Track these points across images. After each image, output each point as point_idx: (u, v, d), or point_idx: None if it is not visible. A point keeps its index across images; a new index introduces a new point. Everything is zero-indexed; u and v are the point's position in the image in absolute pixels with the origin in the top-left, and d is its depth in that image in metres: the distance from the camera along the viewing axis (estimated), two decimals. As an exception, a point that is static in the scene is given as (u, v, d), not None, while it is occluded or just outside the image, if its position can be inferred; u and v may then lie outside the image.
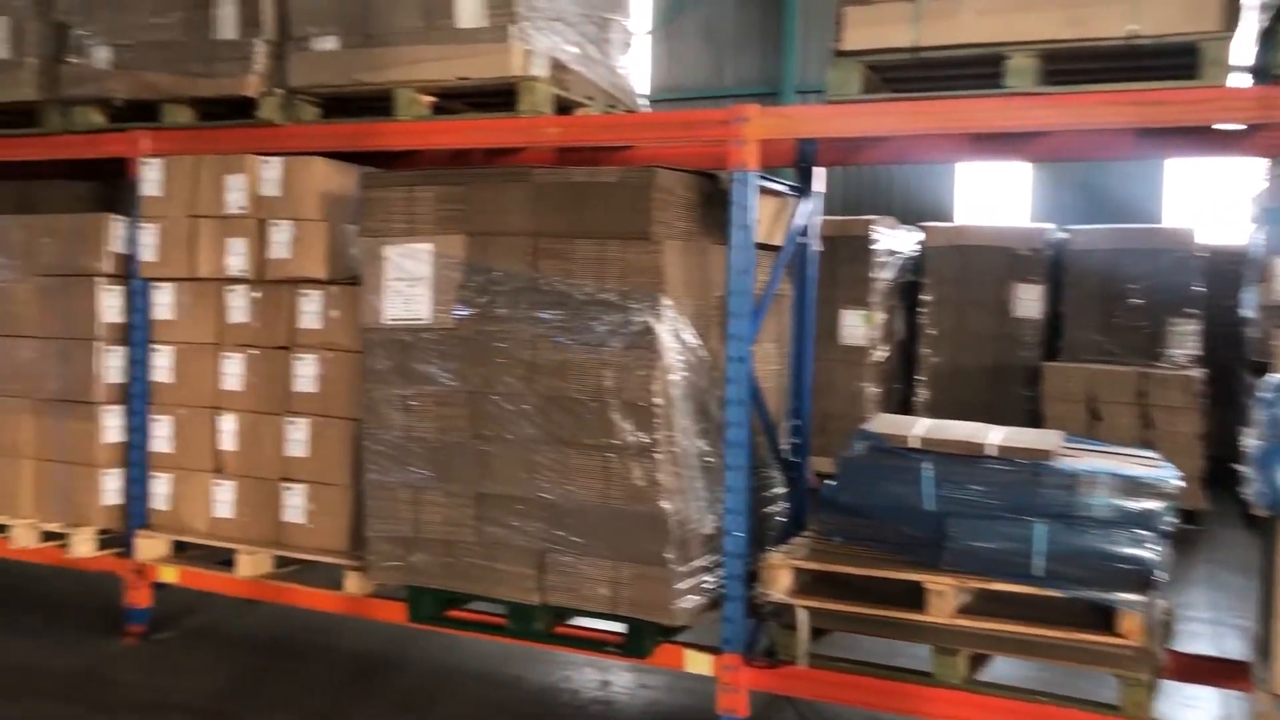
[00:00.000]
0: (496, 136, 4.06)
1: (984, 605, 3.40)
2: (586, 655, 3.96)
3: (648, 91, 13.64)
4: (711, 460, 3.70)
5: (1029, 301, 8.63)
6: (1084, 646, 3.19)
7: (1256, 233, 3.92)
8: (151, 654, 4.59)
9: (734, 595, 3.63)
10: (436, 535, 3.89)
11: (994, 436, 3.54)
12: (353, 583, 4.19)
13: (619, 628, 3.74)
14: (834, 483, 3.68)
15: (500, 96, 4.05)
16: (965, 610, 3.40)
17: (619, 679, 4.35)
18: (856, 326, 8.55)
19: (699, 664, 3.71)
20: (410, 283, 3.91)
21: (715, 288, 3.78)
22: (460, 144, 4.16)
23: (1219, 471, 7.06)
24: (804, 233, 4.23)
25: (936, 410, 8.24)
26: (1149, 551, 3.22)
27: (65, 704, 4.04)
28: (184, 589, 4.65)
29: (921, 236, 9.15)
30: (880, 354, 8.62)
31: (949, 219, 12.26)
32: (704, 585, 3.68)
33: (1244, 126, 3.43)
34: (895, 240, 8.96)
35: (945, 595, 3.35)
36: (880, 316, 8.61)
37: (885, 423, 3.77)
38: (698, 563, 3.66)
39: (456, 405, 3.84)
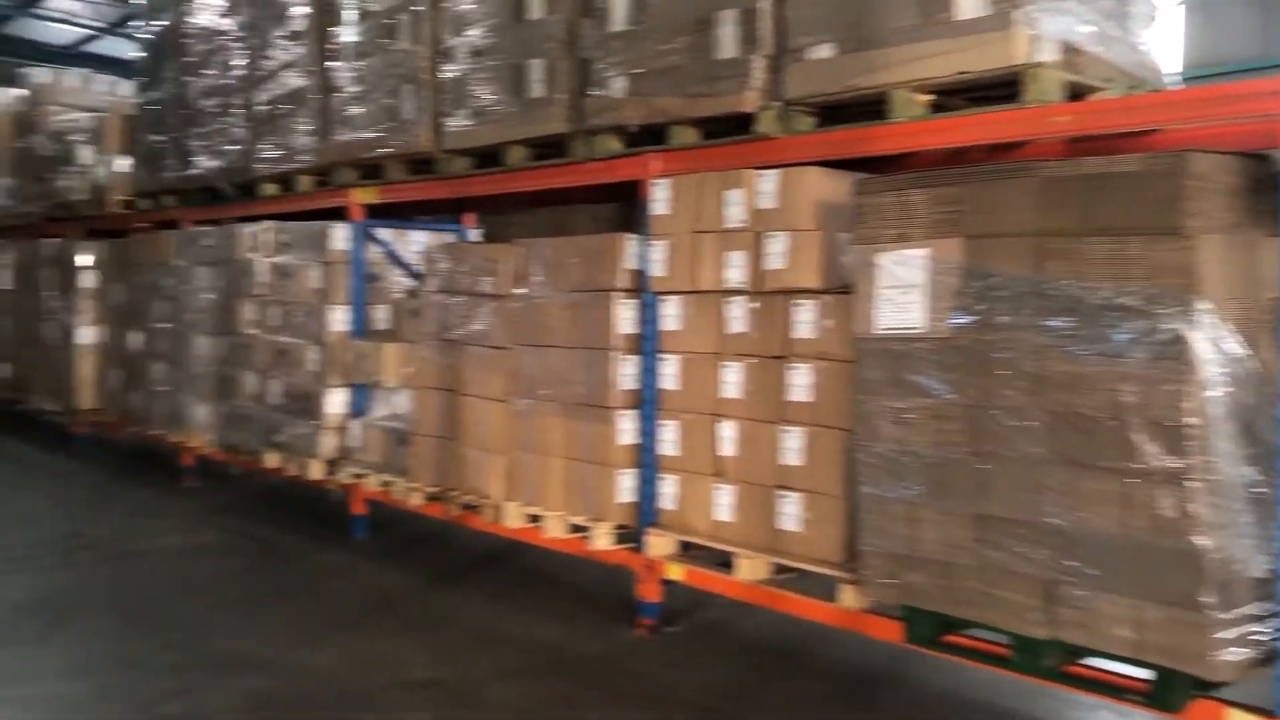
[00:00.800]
0: (997, 130, 3.78)
1: None
2: (1104, 700, 3.56)
3: (1179, 68, 12.28)
4: (1262, 491, 3.16)
5: None
6: None
7: None
8: (661, 646, 4.86)
9: (1292, 649, 3.07)
10: (933, 555, 3.70)
11: None
12: (848, 596, 4.12)
13: (1143, 673, 3.32)
14: None
15: (1003, 88, 3.78)
16: None
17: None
18: None
19: (1244, 728, 3.18)
20: (903, 290, 3.76)
21: (1266, 288, 3.23)
22: (958, 142, 3.93)
23: None
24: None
25: None
26: None
27: (583, 687, 4.38)
28: (690, 587, 4.87)
29: None
30: None
31: None
32: (1252, 636, 3.15)
33: None
34: None
35: None
36: None
37: None
38: (1244, 610, 3.13)
39: (953, 419, 3.63)
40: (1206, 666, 3.09)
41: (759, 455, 4.53)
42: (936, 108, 4.06)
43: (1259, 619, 3.16)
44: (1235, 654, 3.11)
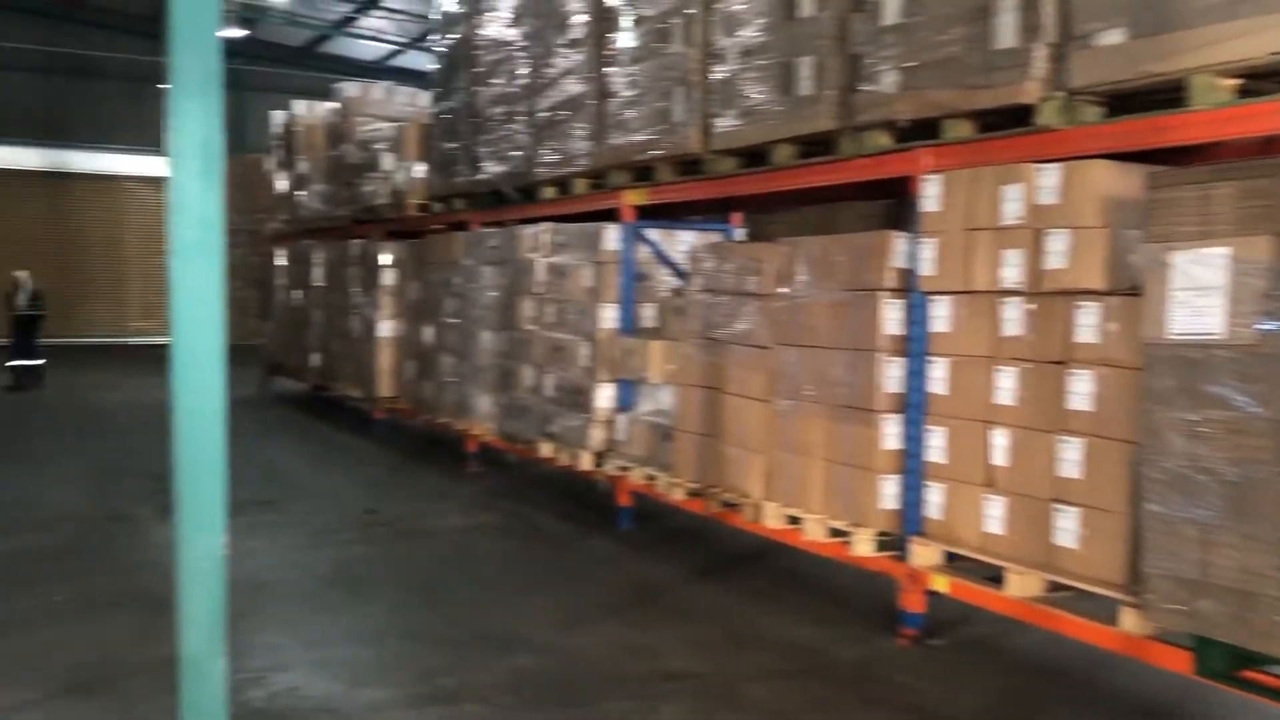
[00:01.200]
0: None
1: None
2: None
3: None
4: None
5: None
6: None
7: None
8: (923, 658, 4.71)
9: None
10: (1229, 582, 3.38)
11: None
12: (1129, 620, 3.83)
13: None
14: None
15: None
16: None
17: None
18: None
19: None
20: (1199, 292, 3.45)
21: None
22: (1270, 129, 3.56)
23: None
24: None
25: None
26: None
27: (837, 691, 4.32)
28: (955, 599, 4.70)
29: None
30: None
31: None
32: None
33: None
34: None
35: None
36: None
37: None
38: None
39: (1257, 435, 3.30)
40: None
41: (1034, 466, 4.30)
42: (1243, 93, 3.70)
43: None
44: None
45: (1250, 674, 3.46)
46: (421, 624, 5.07)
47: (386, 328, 10.55)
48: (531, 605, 5.40)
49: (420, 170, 10.11)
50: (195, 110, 3.25)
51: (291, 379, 14.09)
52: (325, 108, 13.16)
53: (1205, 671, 3.54)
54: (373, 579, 5.85)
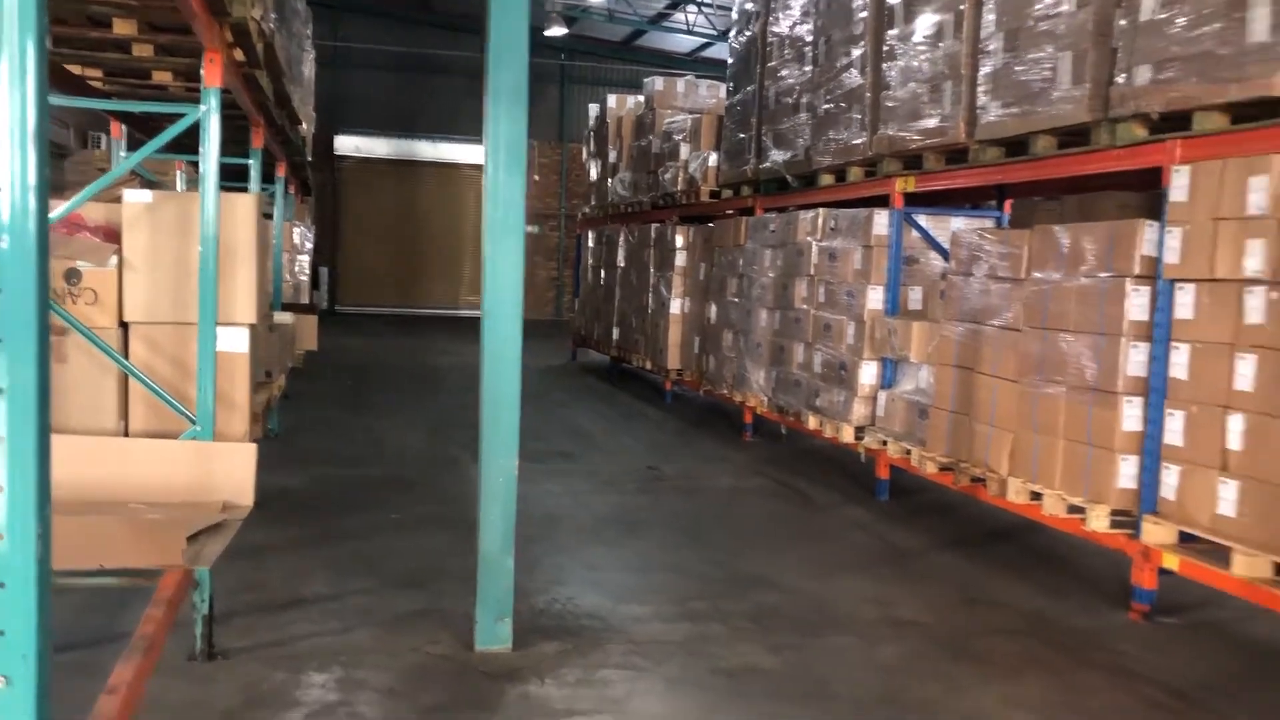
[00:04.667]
0: None
1: None
2: None
3: None
4: None
5: None
6: None
7: None
8: (1150, 632, 4.88)
9: None
10: None
11: None
12: (1348, 604, 3.91)
13: None
14: None
15: None
16: None
17: None
18: None
19: None
20: None
21: None
22: None
23: None
24: None
25: None
26: None
27: (1055, 651, 4.60)
28: (1195, 581, 4.81)
29: None
30: None
31: None
32: None
33: None
34: None
35: None
36: None
37: None
38: None
39: None
40: None
41: (1268, 451, 4.39)
42: None
43: None
44: None
45: None
46: (684, 561, 5.77)
47: (676, 305, 11.40)
48: (785, 557, 5.97)
49: (713, 159, 10.85)
50: (505, 113, 4.07)
51: (596, 351, 15.35)
52: (634, 100, 14.22)
53: None
54: (648, 522, 6.63)
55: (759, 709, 3.88)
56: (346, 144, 26.06)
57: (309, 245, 16.48)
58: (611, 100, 15.03)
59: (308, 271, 15.64)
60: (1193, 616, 5.07)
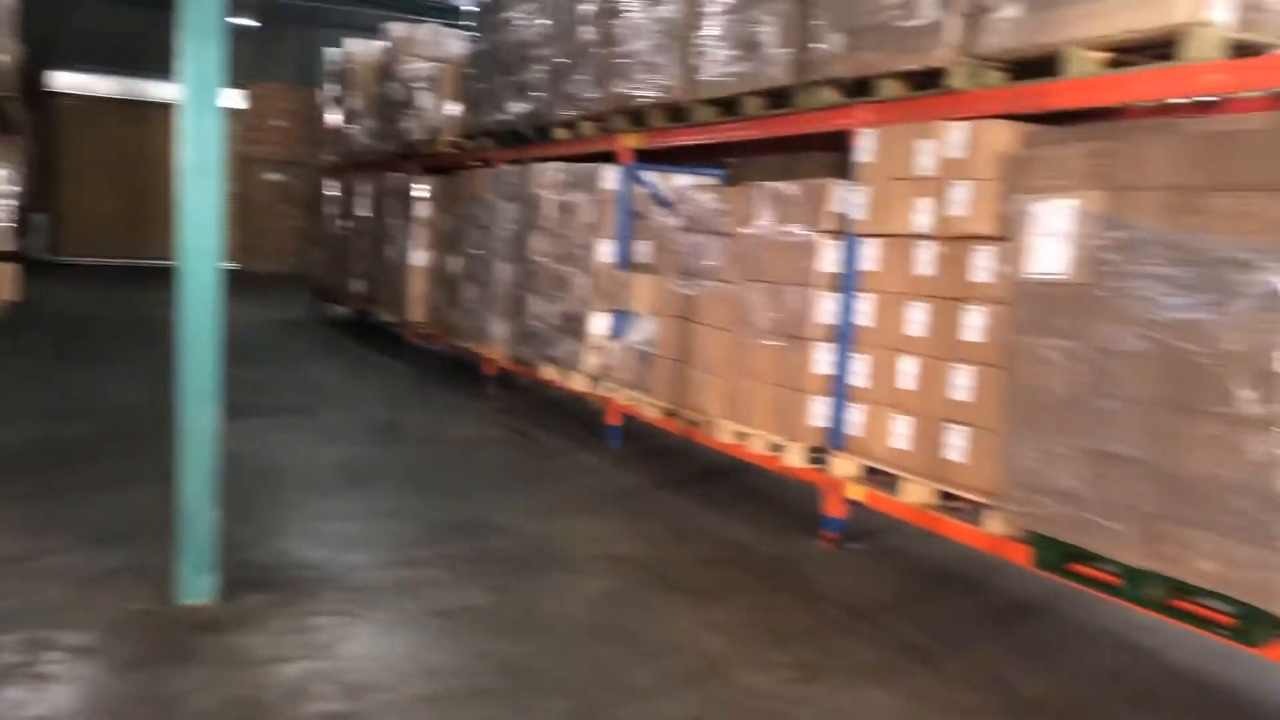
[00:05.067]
0: (1152, 88, 3.89)
1: None
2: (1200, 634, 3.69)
3: None
4: (1367, 446, 3.21)
5: None
6: None
7: None
8: (836, 557, 5.34)
9: (1381, 604, 3.13)
10: (1060, 486, 3.96)
11: None
12: (991, 523, 4.43)
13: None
14: None
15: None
16: None
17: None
18: None
19: (1329, 672, 3.27)
20: (1052, 238, 4.00)
21: (1396, 247, 3.23)
22: (1117, 99, 4.05)
23: None
24: None
25: None
26: None
27: (752, 578, 4.98)
28: (877, 510, 5.26)
29: None
30: None
31: None
32: (1339, 585, 3.23)
33: None
34: None
35: None
36: None
37: None
38: (1330, 558, 3.22)
39: (1082, 360, 3.85)
40: (1284, 606, 3.23)
41: (934, 390, 4.88)
42: (1118, 65, 4.18)
43: (1350, 570, 3.23)
44: (1317, 599, 3.22)
45: (1077, 567, 4.04)
46: (410, 509, 5.81)
47: (419, 257, 11.29)
48: (513, 501, 6.11)
49: (455, 109, 10.76)
50: (196, 47, 3.93)
51: (337, 304, 14.96)
52: (376, 46, 13.83)
53: (1042, 564, 4.13)
54: (378, 472, 6.61)
55: (468, 645, 4.01)
56: (65, 81, 24.04)
57: (15, 189, 15.17)
58: (354, 45, 14.56)
59: (14, 217, 14.41)
60: (878, 542, 5.59)
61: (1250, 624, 3.37)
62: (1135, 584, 3.71)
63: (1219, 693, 3.97)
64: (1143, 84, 3.92)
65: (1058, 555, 4.06)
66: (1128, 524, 3.69)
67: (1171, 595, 3.64)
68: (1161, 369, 3.57)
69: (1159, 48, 4.01)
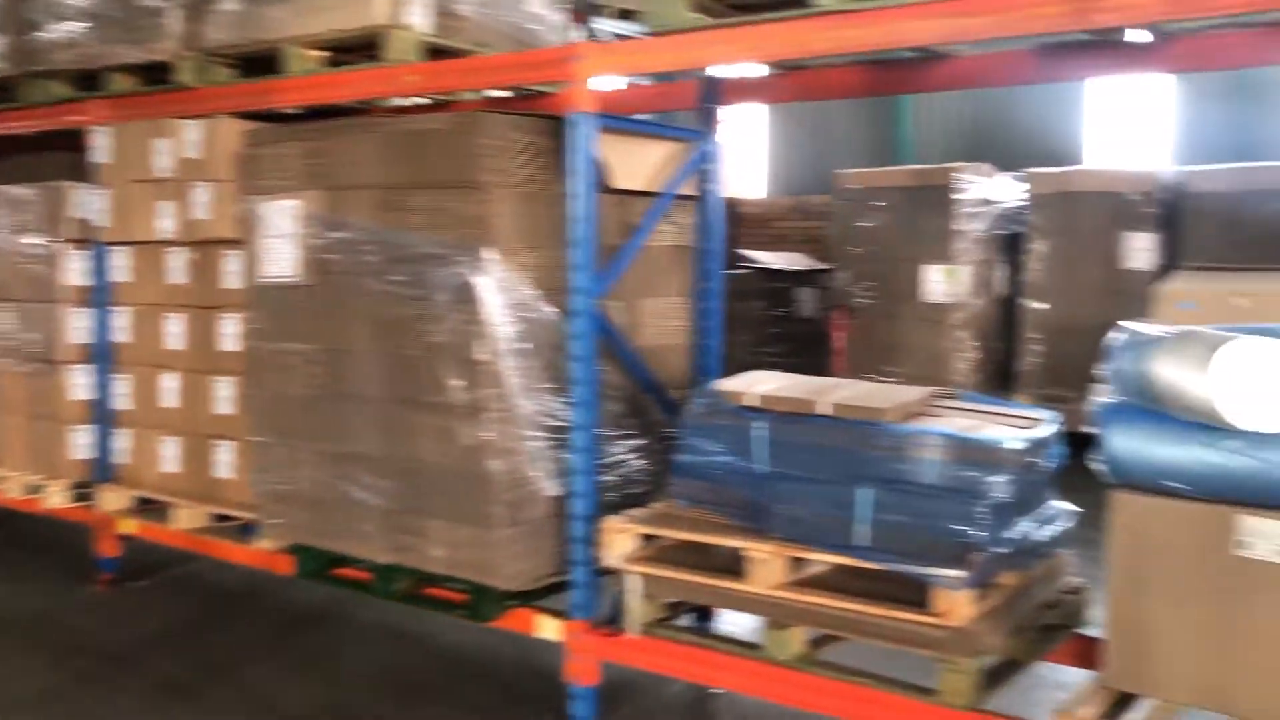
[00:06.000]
0: (358, 88, 3.98)
1: (831, 577, 3.09)
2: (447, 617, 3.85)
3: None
4: (558, 420, 3.52)
5: (1141, 252, 7.84)
6: (902, 626, 2.85)
7: None
8: (113, 600, 4.85)
9: (579, 560, 3.45)
10: (308, 493, 3.89)
11: (842, 394, 3.19)
12: (260, 539, 4.26)
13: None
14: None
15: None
16: (811, 581, 3.10)
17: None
18: (939, 283, 8.02)
19: (548, 629, 3.55)
20: (280, 239, 3.91)
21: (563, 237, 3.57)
22: (334, 98, 4.11)
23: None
24: (706, 178, 3.95)
25: (1043, 370, 7.72)
26: (974, 523, 2.83)
27: (8, 640, 4.32)
28: (160, 542, 4.82)
29: (1027, 185, 8.39)
30: (963, 313, 8.02)
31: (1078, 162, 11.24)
32: (545, 549, 3.52)
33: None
34: (991, 189, 8.28)
35: (768, 564, 3.07)
36: (965, 271, 8.01)
37: (735, 380, 3.46)
38: (536, 526, 3.49)
39: (319, 363, 3.82)
40: (502, 577, 3.44)
41: (199, 406, 4.58)
42: (338, 64, 4.19)
43: (554, 534, 3.53)
44: (528, 564, 3.47)
45: (340, 572, 4.00)
46: None
47: None
48: None
49: None
50: None
51: None
52: None
53: (305, 573, 4.04)
54: None
55: None
56: None
57: None
58: None
59: None
60: (167, 574, 5.16)
61: (480, 601, 3.55)
62: (386, 580, 3.75)
63: (476, 665, 4.14)
64: (353, 83, 3.98)
65: (317, 563, 3.99)
66: (372, 522, 3.71)
67: (418, 585, 3.73)
68: (387, 365, 3.63)
69: (373, 49, 4.09)
